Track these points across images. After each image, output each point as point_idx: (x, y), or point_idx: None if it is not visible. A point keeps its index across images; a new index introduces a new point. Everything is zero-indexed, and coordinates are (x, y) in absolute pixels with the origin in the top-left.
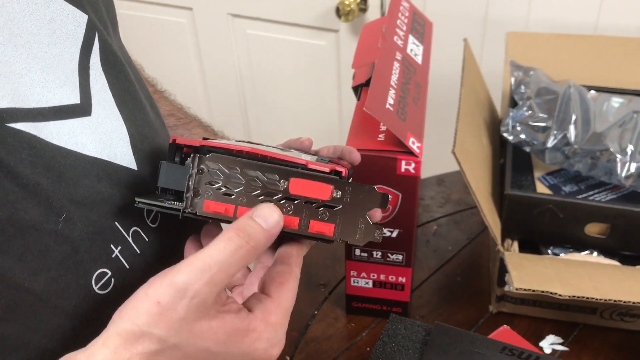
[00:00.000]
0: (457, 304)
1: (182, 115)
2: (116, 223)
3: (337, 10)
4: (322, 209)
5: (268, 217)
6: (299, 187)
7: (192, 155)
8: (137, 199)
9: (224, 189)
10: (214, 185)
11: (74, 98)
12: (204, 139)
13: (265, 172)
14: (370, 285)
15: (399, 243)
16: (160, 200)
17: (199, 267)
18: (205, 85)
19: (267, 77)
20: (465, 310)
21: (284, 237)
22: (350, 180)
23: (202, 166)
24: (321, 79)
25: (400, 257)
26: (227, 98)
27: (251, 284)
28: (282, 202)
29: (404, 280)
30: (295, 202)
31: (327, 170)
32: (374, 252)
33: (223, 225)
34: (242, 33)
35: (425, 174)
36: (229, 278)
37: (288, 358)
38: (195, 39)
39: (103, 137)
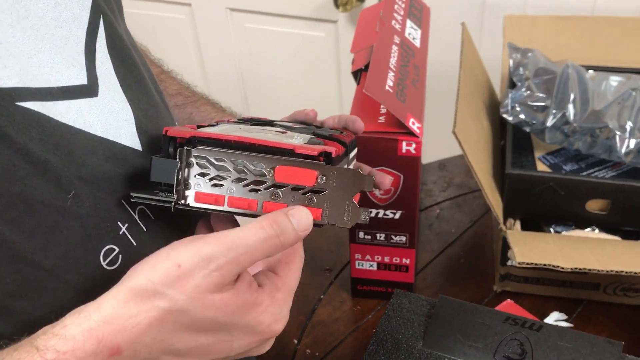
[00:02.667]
0: (461, 285)
1: (189, 94)
2: (123, 201)
3: (335, 1)
4: (309, 194)
5: (302, 219)
6: (284, 174)
7: (179, 149)
8: (133, 194)
9: (214, 181)
10: (203, 177)
11: (82, 79)
12: (199, 127)
13: (252, 161)
14: (375, 267)
15: (402, 224)
16: (154, 194)
17: (227, 244)
18: (206, 79)
19: (267, 70)
20: (470, 290)
21: None
22: (355, 151)
23: (190, 159)
24: (321, 70)
25: (404, 238)
26: (227, 92)
27: (255, 264)
28: (269, 189)
29: (407, 261)
30: (283, 189)
31: (315, 153)
32: (378, 234)
33: None
34: (240, 27)
35: (426, 159)
36: (251, 263)
37: (295, 341)
38: (195, 34)
39: (109, 117)
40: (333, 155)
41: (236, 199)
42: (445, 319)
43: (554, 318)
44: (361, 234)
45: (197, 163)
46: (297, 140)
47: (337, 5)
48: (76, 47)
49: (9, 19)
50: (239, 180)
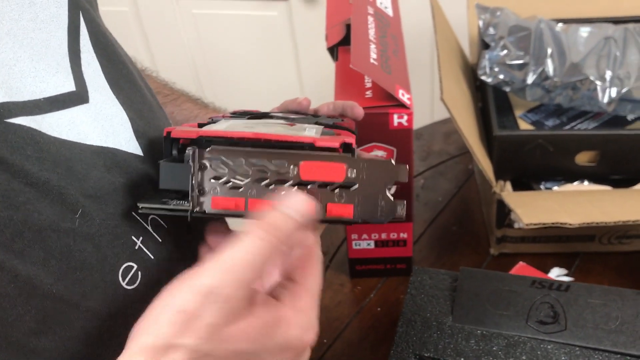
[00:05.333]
0: (458, 252)
1: (168, 92)
2: (133, 213)
3: None
4: (337, 189)
5: (294, 204)
6: (310, 171)
7: (191, 151)
8: (140, 205)
9: (231, 183)
10: (219, 179)
11: (69, 85)
12: (200, 125)
13: (272, 159)
14: (373, 245)
15: (399, 198)
16: (164, 202)
17: (225, 269)
18: (157, 73)
19: (221, 55)
20: (467, 256)
21: None
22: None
23: (203, 161)
24: (277, 49)
25: None
26: (181, 83)
27: (270, 273)
28: (294, 188)
29: (405, 235)
30: (308, 186)
31: (337, 145)
32: None
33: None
34: (188, 14)
35: None
36: (258, 277)
37: None
38: (141, 26)
39: (105, 124)
40: (353, 146)
41: (258, 202)
42: (471, 291)
43: (555, 274)
44: None
45: (211, 165)
46: (309, 132)
47: None
48: (59, 49)
49: None
50: (260, 180)
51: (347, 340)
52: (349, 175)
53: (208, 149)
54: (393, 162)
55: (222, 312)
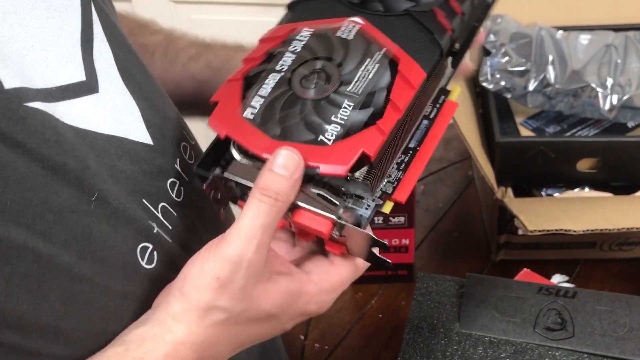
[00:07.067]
0: (458, 259)
1: (202, 43)
2: (144, 200)
3: None
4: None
5: (285, 161)
6: (300, 217)
7: None
8: None
9: None
10: None
11: (79, 75)
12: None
13: None
14: None
15: (400, 205)
16: None
17: (246, 236)
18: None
19: None
20: (468, 263)
21: None
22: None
23: None
24: None
25: (402, 219)
26: None
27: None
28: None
29: (407, 242)
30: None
31: (344, 173)
32: (375, 218)
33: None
34: (186, 19)
35: None
36: (272, 236)
37: (302, 337)
38: None
39: (114, 113)
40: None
41: None
42: (478, 298)
43: (557, 280)
44: None
45: None
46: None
47: None
48: (71, 38)
49: None
50: None
51: (348, 346)
52: (333, 234)
53: None
54: (373, 236)
55: (249, 276)
